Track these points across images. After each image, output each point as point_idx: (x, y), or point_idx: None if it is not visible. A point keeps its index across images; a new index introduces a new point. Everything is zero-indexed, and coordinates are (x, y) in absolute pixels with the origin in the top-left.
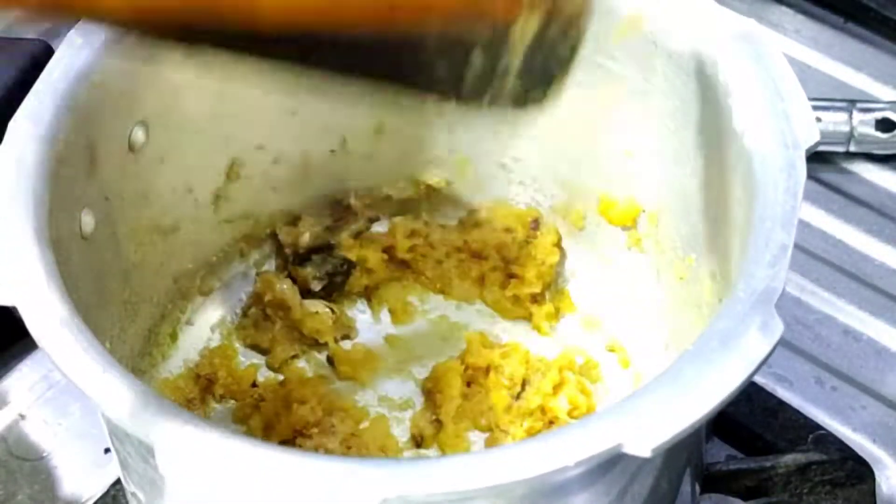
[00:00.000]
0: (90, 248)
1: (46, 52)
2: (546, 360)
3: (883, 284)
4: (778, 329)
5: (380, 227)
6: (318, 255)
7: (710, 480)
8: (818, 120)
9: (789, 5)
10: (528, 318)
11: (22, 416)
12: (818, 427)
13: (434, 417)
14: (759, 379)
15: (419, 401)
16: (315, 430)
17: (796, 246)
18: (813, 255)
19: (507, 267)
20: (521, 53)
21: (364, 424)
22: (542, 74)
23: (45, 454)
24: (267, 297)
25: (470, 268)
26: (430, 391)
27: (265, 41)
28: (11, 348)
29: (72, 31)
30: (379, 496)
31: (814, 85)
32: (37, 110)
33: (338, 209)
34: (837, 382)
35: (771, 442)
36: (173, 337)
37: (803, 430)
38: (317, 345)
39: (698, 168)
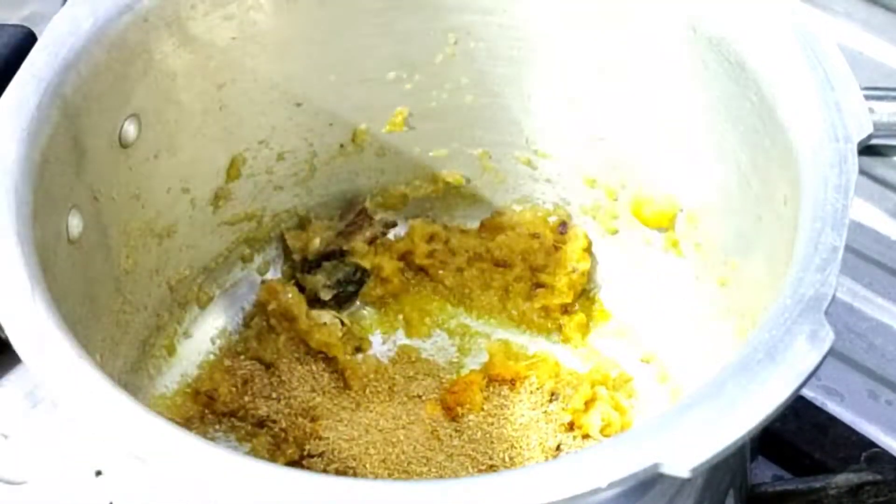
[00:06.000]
0: (78, 253)
1: (29, 39)
2: (577, 373)
3: None
4: (828, 338)
5: (395, 233)
6: (329, 261)
7: (756, 502)
8: (871, 111)
9: None
10: (558, 329)
11: (5, 437)
12: (872, 444)
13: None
14: (807, 393)
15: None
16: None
17: (848, 248)
18: (866, 257)
19: (533, 276)
20: None
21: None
22: None
23: (29, 478)
24: (271, 307)
25: (493, 278)
26: (450, 407)
27: None
28: None
29: (56, 17)
30: None
31: (866, 72)
32: (19, 103)
33: (349, 210)
34: (893, 396)
35: (821, 461)
36: (170, 350)
37: (856, 447)
38: (325, 358)
39: (741, 164)
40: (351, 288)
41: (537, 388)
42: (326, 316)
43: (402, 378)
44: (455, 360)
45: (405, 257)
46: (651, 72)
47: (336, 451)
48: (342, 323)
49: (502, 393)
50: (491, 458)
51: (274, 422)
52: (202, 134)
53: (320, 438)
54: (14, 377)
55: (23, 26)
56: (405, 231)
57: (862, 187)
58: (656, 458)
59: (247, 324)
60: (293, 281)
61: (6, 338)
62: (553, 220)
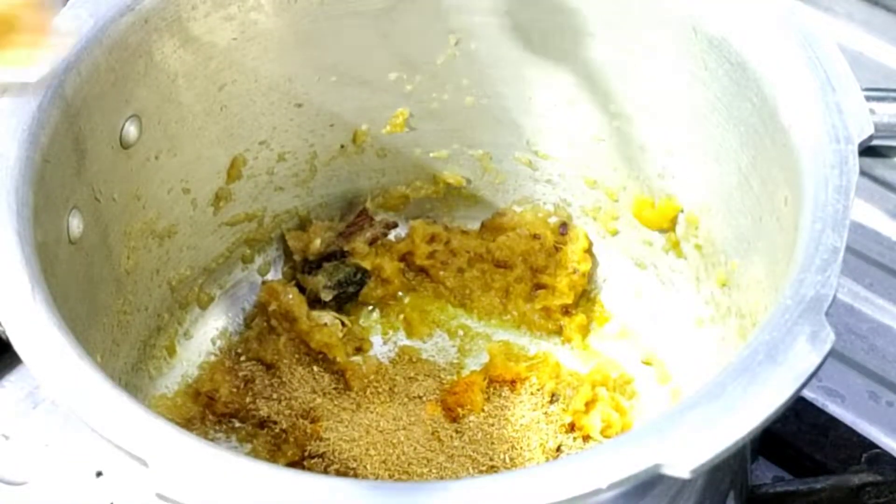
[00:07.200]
0: (79, 254)
1: None
2: (578, 374)
3: None
4: (829, 339)
5: (396, 234)
6: (330, 262)
7: (756, 503)
8: (872, 112)
9: None
10: (559, 331)
11: (5, 437)
12: (872, 445)
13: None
14: (808, 394)
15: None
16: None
17: (848, 249)
18: (867, 258)
19: (534, 277)
20: None
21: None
22: None
23: (30, 478)
24: (272, 307)
25: (493, 279)
26: (451, 408)
27: None
28: None
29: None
30: None
31: (867, 73)
32: (20, 103)
33: (350, 211)
34: (893, 397)
35: (821, 462)
36: (170, 350)
37: (856, 448)
38: (326, 359)
39: (741, 165)
40: (351, 289)
41: (538, 390)
42: (327, 317)
43: (402, 379)
44: (456, 360)
45: (406, 258)
46: (651, 72)
47: (337, 451)
48: (343, 324)
49: (503, 394)
50: (491, 459)
51: (274, 423)
52: (203, 135)
53: (321, 439)
54: (14, 377)
55: None
56: (406, 232)
57: (862, 188)
58: (657, 459)
59: (247, 324)
60: (294, 282)
61: (6, 338)
62: (554, 220)
